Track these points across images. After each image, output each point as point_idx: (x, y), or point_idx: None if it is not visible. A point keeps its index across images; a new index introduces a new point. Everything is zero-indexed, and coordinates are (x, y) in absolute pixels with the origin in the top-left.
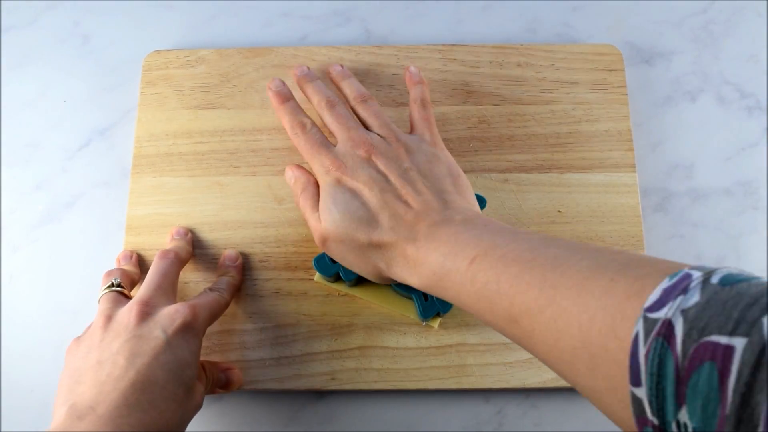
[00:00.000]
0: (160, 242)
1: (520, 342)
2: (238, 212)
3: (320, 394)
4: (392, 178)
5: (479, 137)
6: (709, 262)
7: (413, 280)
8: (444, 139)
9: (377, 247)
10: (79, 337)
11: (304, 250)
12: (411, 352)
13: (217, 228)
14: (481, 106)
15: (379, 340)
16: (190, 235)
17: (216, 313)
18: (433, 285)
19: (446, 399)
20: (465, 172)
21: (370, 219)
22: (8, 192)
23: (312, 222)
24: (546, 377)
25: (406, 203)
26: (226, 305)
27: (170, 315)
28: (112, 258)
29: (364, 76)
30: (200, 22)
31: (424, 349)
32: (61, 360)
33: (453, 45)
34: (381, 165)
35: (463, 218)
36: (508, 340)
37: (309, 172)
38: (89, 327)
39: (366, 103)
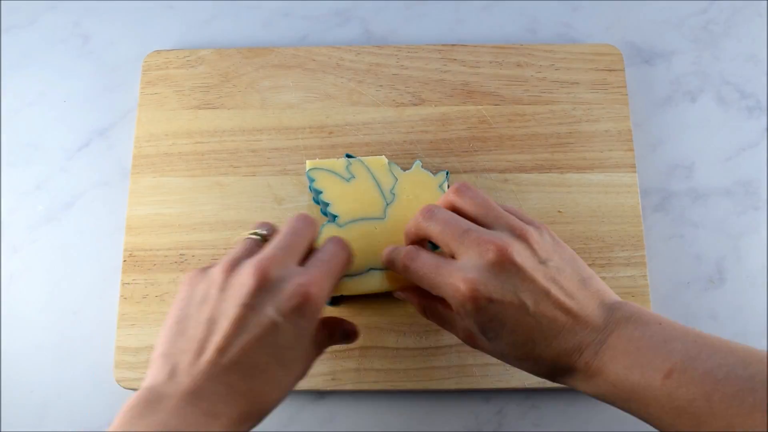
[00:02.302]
0: (160, 242)
1: None
2: (238, 212)
3: (320, 394)
4: (539, 279)
5: (479, 137)
6: (709, 262)
7: (588, 390)
8: (444, 139)
9: (538, 359)
10: (203, 270)
11: None
12: (411, 352)
13: (217, 228)
14: (481, 106)
15: (379, 340)
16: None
17: (339, 275)
18: (613, 398)
19: (446, 399)
20: (465, 172)
21: (525, 342)
22: (8, 192)
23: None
24: None
25: (561, 308)
26: (347, 262)
27: (288, 293)
28: (112, 258)
29: (364, 76)
30: (200, 22)
31: (424, 349)
32: (60, 360)
33: (453, 45)
34: (519, 266)
35: (627, 316)
36: None
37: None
38: (213, 266)
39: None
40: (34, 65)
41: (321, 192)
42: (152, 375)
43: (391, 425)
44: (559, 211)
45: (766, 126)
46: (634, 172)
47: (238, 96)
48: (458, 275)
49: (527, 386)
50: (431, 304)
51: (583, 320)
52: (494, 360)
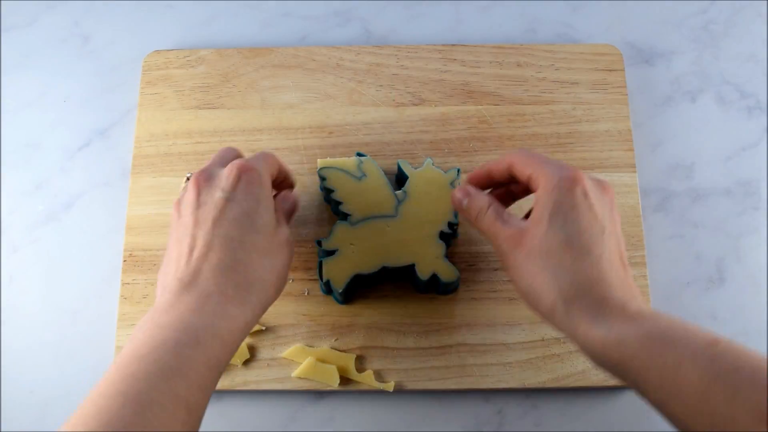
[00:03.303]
0: (160, 242)
1: None
2: None
3: (320, 394)
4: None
5: (479, 137)
6: (709, 262)
7: (607, 333)
8: (444, 139)
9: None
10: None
11: (304, 250)
12: (411, 352)
13: None
14: (481, 106)
15: (379, 340)
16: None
17: (271, 162)
18: (641, 341)
19: (446, 399)
20: (465, 172)
21: (580, 236)
22: (8, 192)
23: (509, 230)
24: (546, 377)
25: (620, 256)
26: (277, 162)
27: (225, 173)
28: (112, 258)
29: (364, 76)
30: (200, 22)
31: (424, 349)
32: (60, 360)
33: (453, 45)
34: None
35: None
36: (508, 341)
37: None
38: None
39: None
40: (34, 65)
41: (333, 191)
42: (159, 300)
43: (391, 425)
44: None
45: (766, 126)
46: (634, 172)
47: (238, 96)
48: (555, 164)
49: (527, 386)
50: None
51: (630, 278)
52: (494, 360)
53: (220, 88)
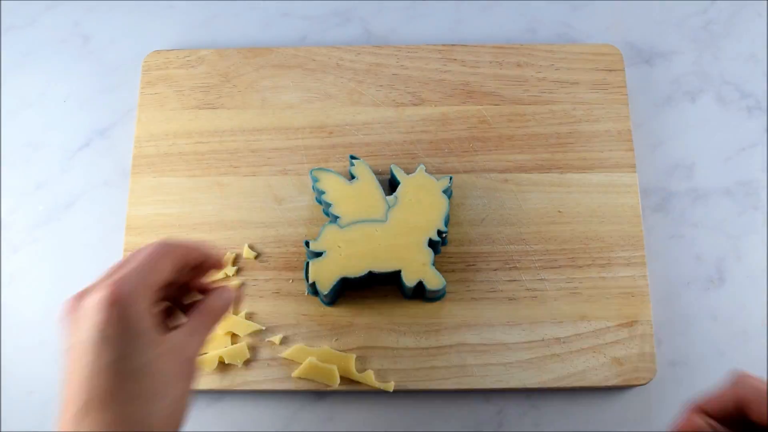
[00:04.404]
0: None
1: None
2: (238, 212)
3: (320, 394)
4: None
5: (479, 137)
6: (709, 262)
7: None
8: (444, 139)
9: None
10: None
11: (302, 250)
12: (411, 352)
13: (217, 228)
14: (481, 106)
15: (379, 340)
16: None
17: (162, 265)
18: None
19: (446, 399)
20: (465, 172)
21: None
22: (8, 192)
23: None
24: (546, 377)
25: None
26: (177, 255)
27: (92, 307)
28: (112, 258)
29: (364, 76)
30: (200, 22)
31: (424, 350)
32: (60, 360)
33: (453, 45)
34: None
35: None
36: (508, 340)
37: None
38: None
39: None
40: (34, 65)
41: (324, 192)
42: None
43: (390, 425)
44: (559, 211)
45: (766, 126)
46: (634, 172)
47: (238, 96)
48: None
49: (527, 386)
50: None
51: None
52: (494, 360)
53: (220, 88)
